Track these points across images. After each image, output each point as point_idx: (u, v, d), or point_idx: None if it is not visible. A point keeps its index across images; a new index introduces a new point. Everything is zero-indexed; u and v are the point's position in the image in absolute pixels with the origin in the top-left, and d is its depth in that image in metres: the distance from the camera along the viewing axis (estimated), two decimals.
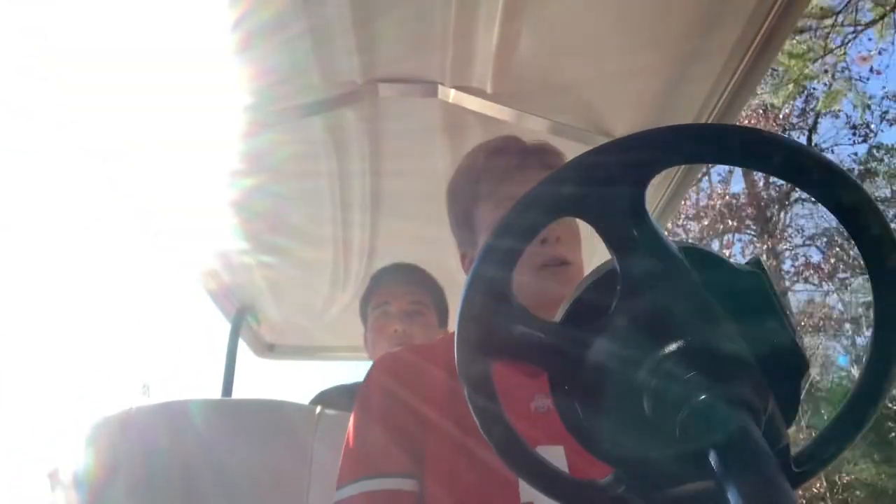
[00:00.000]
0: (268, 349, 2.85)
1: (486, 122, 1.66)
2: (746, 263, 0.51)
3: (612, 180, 0.48)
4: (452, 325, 1.87)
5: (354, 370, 3.02)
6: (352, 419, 1.03)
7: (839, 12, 9.23)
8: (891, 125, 11.46)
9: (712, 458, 0.41)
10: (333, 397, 1.82)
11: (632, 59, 1.49)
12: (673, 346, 0.46)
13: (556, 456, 0.87)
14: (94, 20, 1.32)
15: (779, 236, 11.94)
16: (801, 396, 0.50)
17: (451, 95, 1.60)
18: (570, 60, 1.54)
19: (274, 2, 1.36)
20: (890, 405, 9.08)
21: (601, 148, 0.49)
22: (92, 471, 1.36)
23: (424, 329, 1.71)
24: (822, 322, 11.60)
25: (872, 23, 9.49)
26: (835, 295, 11.88)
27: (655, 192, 1.82)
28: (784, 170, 0.47)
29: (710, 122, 1.55)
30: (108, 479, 1.34)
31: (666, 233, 0.52)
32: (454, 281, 1.86)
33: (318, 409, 1.51)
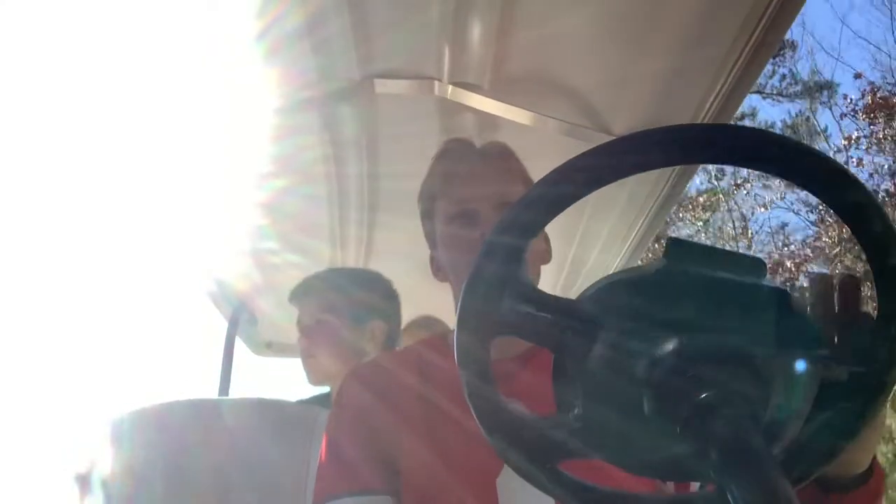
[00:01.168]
0: (265, 347, 2.84)
1: (483, 118, 1.66)
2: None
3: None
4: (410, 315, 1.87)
5: None
6: (324, 436, 1.02)
7: None
8: None
9: (712, 458, 0.41)
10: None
11: (629, 56, 1.49)
12: (679, 343, 0.46)
13: None
14: (95, 23, 1.32)
15: None
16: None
17: (448, 91, 1.60)
18: (567, 57, 1.54)
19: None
20: None
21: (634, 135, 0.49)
22: (114, 471, 1.36)
23: (332, 337, 1.64)
24: None
25: None
26: None
27: (653, 187, 1.82)
28: (789, 171, 0.47)
29: (706, 121, 1.55)
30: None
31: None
32: None
33: (318, 408, 1.51)
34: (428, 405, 0.95)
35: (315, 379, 1.69)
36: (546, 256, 1.09)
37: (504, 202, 1.01)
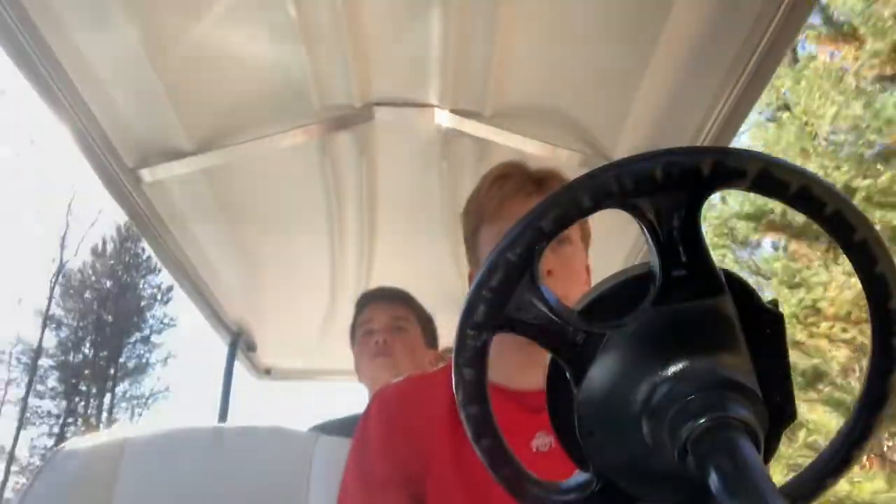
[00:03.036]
0: (265, 372, 2.84)
1: (483, 145, 1.67)
2: (768, 302, 0.50)
3: (669, 186, 0.46)
4: (443, 343, 1.88)
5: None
6: (350, 455, 1.01)
7: None
8: None
9: (712, 483, 0.41)
10: (331, 431, 1.79)
11: (628, 81, 1.50)
12: (680, 366, 0.46)
13: None
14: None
15: None
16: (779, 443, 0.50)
17: (448, 119, 1.60)
18: (566, 83, 1.54)
19: (272, 26, 1.37)
20: None
21: (659, 152, 0.47)
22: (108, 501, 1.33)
23: (407, 345, 1.74)
24: None
25: None
26: None
27: None
28: (800, 202, 0.47)
29: (706, 143, 1.55)
30: None
31: None
32: (451, 299, 1.85)
33: (316, 435, 1.49)
34: (458, 430, 0.93)
35: (384, 376, 1.65)
36: (586, 285, 1.06)
37: (560, 238, 0.98)
